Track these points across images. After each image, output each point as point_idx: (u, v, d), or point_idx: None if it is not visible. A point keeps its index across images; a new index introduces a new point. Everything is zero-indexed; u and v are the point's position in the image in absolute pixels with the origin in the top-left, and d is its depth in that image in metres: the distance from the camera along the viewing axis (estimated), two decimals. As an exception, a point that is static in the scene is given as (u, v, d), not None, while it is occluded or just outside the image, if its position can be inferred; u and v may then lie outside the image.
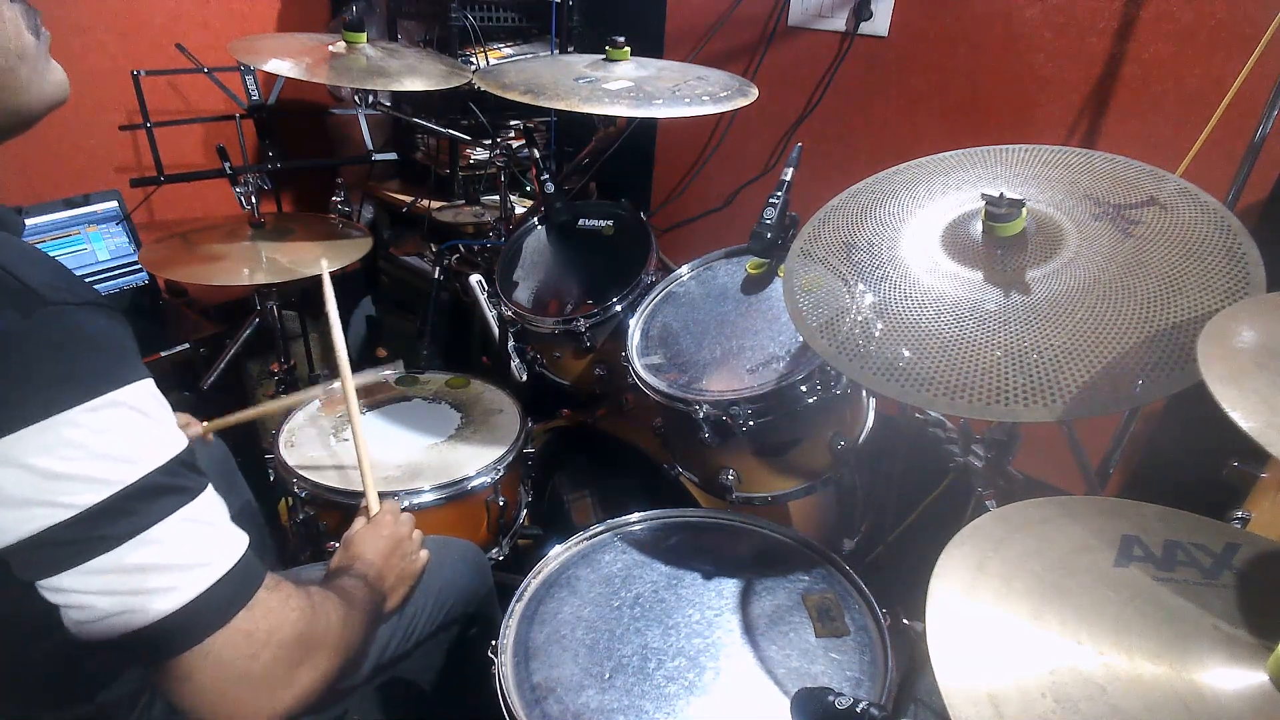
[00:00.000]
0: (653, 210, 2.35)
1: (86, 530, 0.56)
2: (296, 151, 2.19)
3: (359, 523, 1.07)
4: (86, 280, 1.91)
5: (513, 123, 2.13)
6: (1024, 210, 0.88)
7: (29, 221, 1.81)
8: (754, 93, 1.40)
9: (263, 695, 0.65)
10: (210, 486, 0.65)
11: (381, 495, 1.24)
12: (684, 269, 1.44)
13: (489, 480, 1.32)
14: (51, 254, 1.94)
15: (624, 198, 1.67)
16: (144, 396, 0.61)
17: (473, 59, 2.01)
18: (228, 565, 0.63)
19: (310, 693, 0.69)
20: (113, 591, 0.58)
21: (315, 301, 1.27)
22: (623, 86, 1.38)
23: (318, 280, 1.26)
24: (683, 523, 1.22)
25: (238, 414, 1.24)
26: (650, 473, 1.45)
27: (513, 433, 1.42)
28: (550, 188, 1.61)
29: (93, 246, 1.91)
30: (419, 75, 1.52)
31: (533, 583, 1.10)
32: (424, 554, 1.06)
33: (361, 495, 1.22)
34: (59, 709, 0.71)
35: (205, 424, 1.18)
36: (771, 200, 1.25)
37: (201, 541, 0.63)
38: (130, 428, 0.59)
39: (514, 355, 1.57)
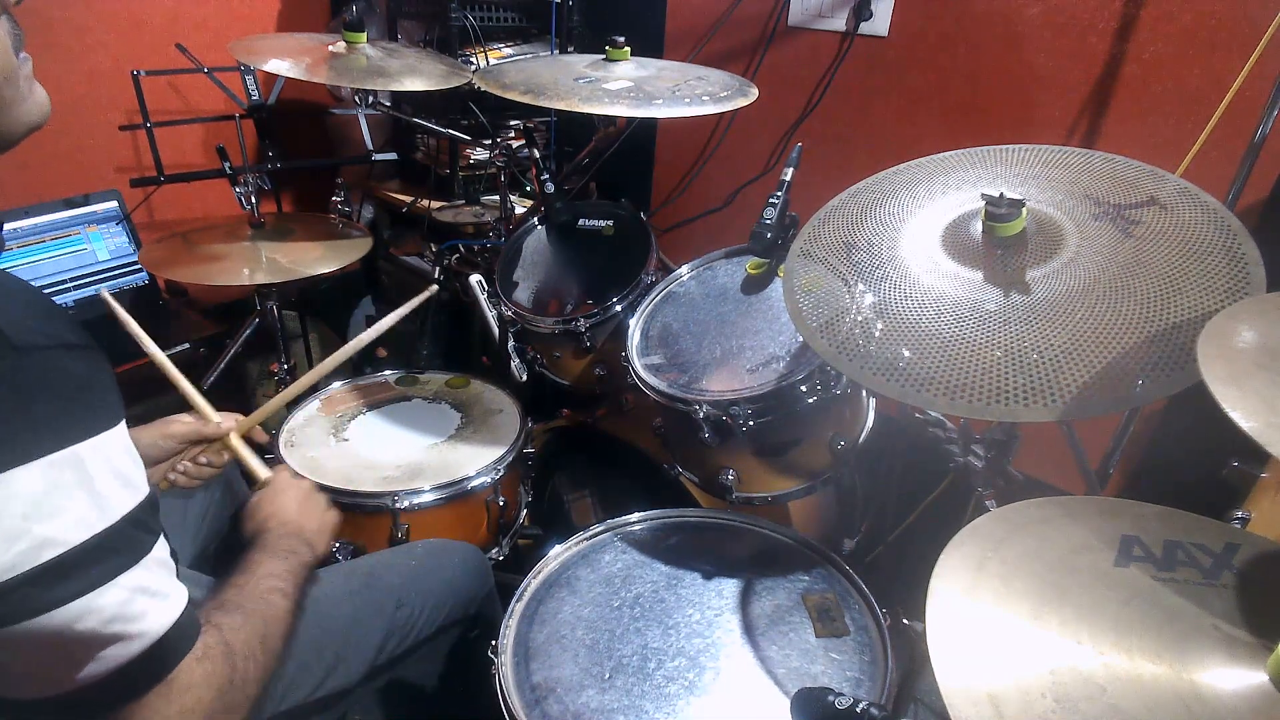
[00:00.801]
0: (653, 210, 2.35)
1: (26, 592, 0.53)
2: (296, 151, 2.20)
3: (256, 494, 1.01)
4: (85, 280, 1.91)
5: (513, 123, 2.13)
6: (1024, 210, 0.88)
7: (29, 222, 1.81)
8: (754, 93, 1.40)
9: None
10: (160, 542, 0.63)
11: (381, 495, 1.25)
12: (684, 269, 1.44)
13: (489, 480, 1.32)
14: (52, 254, 1.93)
15: (624, 198, 1.66)
16: (107, 448, 0.58)
17: (473, 59, 2.01)
18: (156, 635, 0.61)
19: None
20: (34, 656, 0.56)
21: (315, 301, 1.27)
22: (623, 86, 1.38)
23: (317, 280, 1.25)
24: (683, 523, 1.22)
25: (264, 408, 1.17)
26: (650, 473, 1.45)
27: (513, 433, 1.42)
28: (550, 188, 1.61)
29: (93, 246, 1.91)
30: (419, 75, 1.52)
31: (533, 583, 1.10)
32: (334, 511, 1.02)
33: (375, 495, 1.22)
34: None
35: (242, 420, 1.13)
36: (771, 200, 1.25)
37: (136, 611, 0.59)
38: (88, 485, 0.56)
39: (514, 355, 1.57)
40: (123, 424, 0.60)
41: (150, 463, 1.06)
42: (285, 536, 0.89)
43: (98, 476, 0.57)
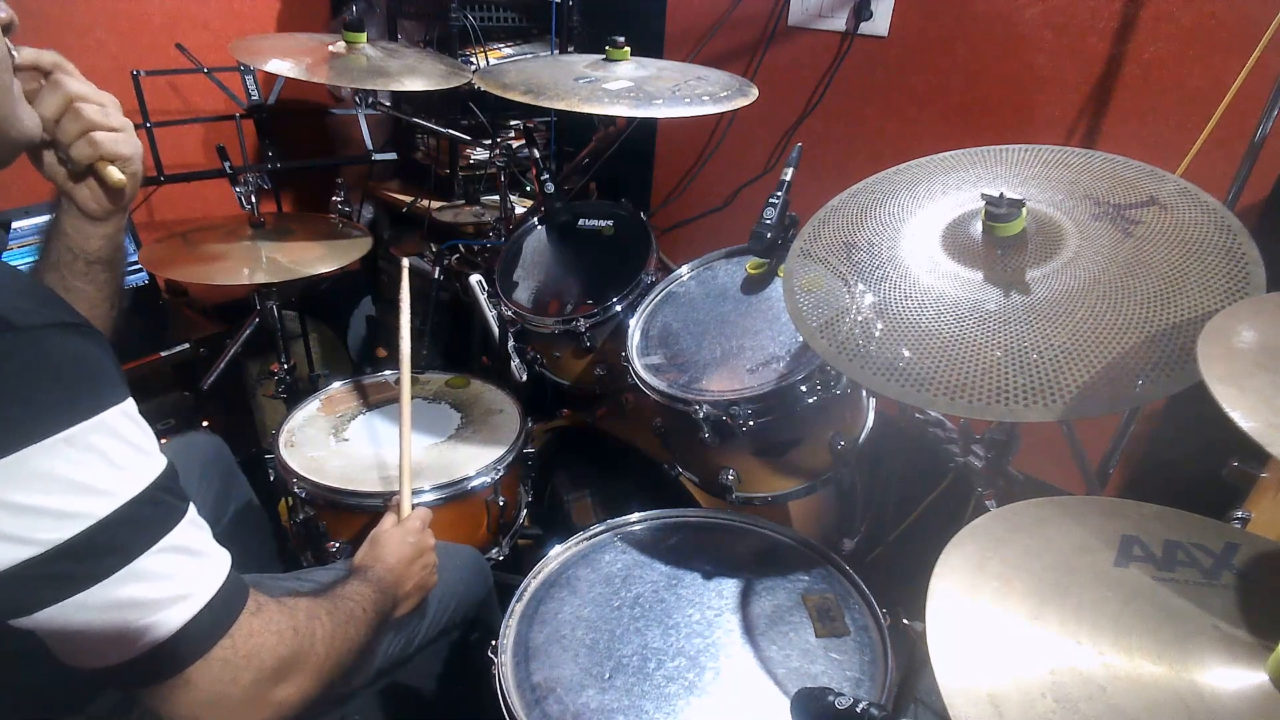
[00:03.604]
0: (653, 210, 2.35)
1: (63, 566, 0.54)
2: (296, 151, 2.19)
3: (389, 520, 1.07)
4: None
5: (513, 123, 2.13)
6: (1024, 210, 0.88)
7: (29, 222, 1.80)
8: (754, 93, 1.40)
9: (238, 715, 0.65)
10: (191, 507, 0.64)
11: (381, 495, 1.25)
12: (684, 269, 1.44)
13: (489, 480, 1.32)
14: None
15: (624, 198, 1.66)
16: (120, 421, 0.59)
17: (473, 59, 2.01)
18: (209, 594, 0.62)
19: (289, 709, 0.69)
20: (92, 628, 0.57)
21: (315, 301, 1.27)
22: (623, 86, 1.38)
23: (317, 280, 1.25)
24: (683, 523, 1.22)
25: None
26: (650, 473, 1.45)
27: (513, 433, 1.42)
28: (550, 188, 1.61)
29: (93, 246, 1.90)
30: (419, 75, 1.52)
31: (533, 583, 1.10)
32: (428, 543, 1.07)
33: (375, 495, 1.22)
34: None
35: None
36: (771, 200, 1.25)
37: (183, 572, 0.61)
38: (105, 458, 0.57)
39: (514, 355, 1.57)
40: (130, 398, 0.61)
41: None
42: (383, 581, 0.93)
43: (113, 449, 0.58)
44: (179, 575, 0.61)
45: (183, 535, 0.61)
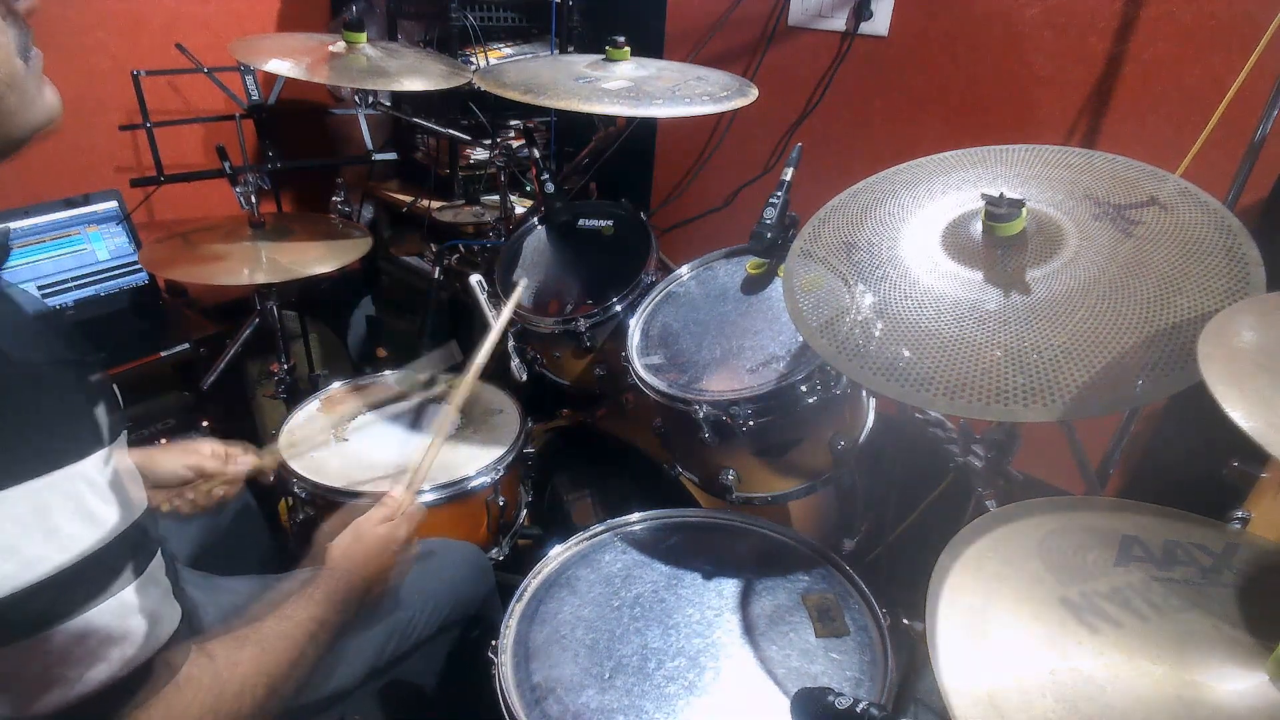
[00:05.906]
0: (653, 210, 2.35)
1: (16, 611, 0.53)
2: (296, 151, 2.19)
3: (380, 513, 0.99)
4: (85, 280, 1.90)
5: (513, 123, 2.13)
6: (1024, 210, 0.88)
7: (29, 222, 1.81)
8: (754, 93, 1.40)
9: None
10: (157, 559, 0.62)
11: (381, 495, 1.24)
12: (684, 269, 1.44)
13: (489, 480, 1.32)
14: (52, 254, 1.92)
15: (624, 198, 1.66)
16: (104, 466, 0.57)
17: (473, 59, 2.01)
18: (142, 658, 0.60)
19: None
20: (14, 676, 0.55)
21: (315, 301, 1.27)
22: (622, 86, 1.38)
23: (317, 280, 1.25)
24: (683, 523, 1.22)
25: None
26: (650, 473, 1.45)
27: (513, 433, 1.42)
28: (550, 188, 1.61)
29: (93, 246, 1.91)
30: (419, 75, 1.52)
31: (533, 583, 1.10)
32: (413, 548, 1.01)
33: (369, 495, 1.22)
34: None
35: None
36: (771, 200, 1.25)
37: (126, 630, 0.59)
38: (80, 506, 0.56)
39: (514, 355, 1.57)
40: (122, 438, 0.60)
41: (160, 484, 1.07)
42: (344, 588, 0.88)
43: (90, 496, 0.56)
44: (120, 634, 0.58)
45: (136, 593, 0.59)
